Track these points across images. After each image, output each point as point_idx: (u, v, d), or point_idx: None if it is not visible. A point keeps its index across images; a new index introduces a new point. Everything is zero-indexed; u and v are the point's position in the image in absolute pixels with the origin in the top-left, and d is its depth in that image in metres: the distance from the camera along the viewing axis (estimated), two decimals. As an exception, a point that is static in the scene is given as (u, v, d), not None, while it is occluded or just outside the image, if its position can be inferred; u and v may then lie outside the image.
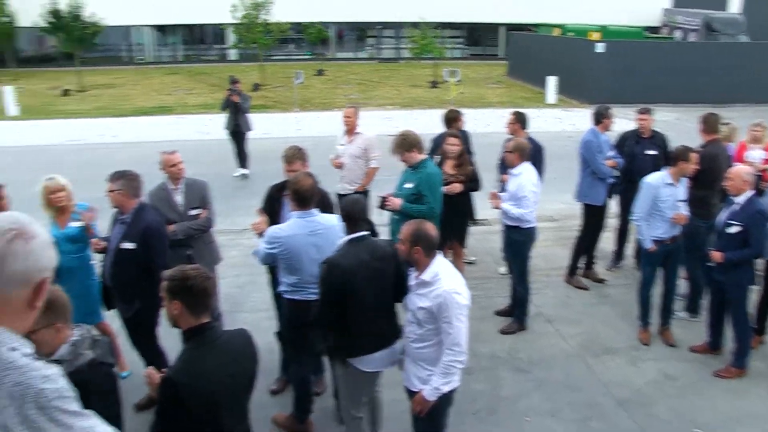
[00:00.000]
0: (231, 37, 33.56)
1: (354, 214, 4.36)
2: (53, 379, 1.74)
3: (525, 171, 6.44)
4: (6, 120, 20.70)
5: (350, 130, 8.07)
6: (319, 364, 5.56)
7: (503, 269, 7.89)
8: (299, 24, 35.20)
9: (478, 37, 41.89)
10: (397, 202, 6.06)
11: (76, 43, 28.09)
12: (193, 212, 5.81)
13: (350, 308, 4.20)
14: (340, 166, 8.00)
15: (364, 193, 7.87)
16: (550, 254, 8.76)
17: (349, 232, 4.35)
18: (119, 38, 38.60)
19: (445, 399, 4.14)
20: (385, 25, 40.23)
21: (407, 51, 34.64)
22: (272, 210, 5.37)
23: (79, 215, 5.48)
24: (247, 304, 7.30)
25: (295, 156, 5.41)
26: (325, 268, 4.20)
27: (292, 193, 4.63)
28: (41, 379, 1.71)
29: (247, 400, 3.29)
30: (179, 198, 5.81)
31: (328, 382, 5.59)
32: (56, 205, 5.47)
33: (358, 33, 41.60)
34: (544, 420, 5.39)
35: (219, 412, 3.03)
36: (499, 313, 7.09)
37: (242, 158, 13.25)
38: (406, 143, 6.11)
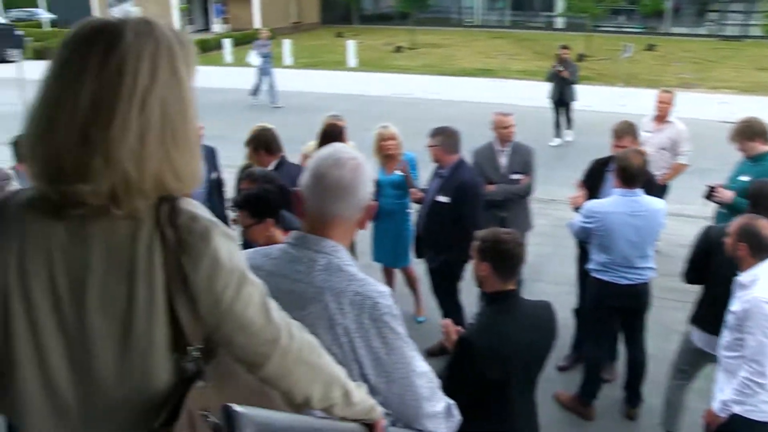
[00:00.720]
0: (560, 5, 32.97)
1: (760, 198, 4.17)
2: (386, 295, 1.90)
3: None
4: (347, 71, 23.04)
5: (661, 118, 7.24)
6: (614, 351, 5.32)
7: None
8: (633, -6, 33.29)
9: None
10: (728, 194, 5.46)
11: (412, 3, 29.86)
12: (515, 176, 5.81)
13: (708, 280, 4.16)
14: None
15: (664, 188, 7.20)
16: None
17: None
18: (451, 1, 40.12)
19: (743, 424, 3.55)
20: (733, -2, 36.22)
21: (758, 28, 30.85)
22: (593, 184, 5.19)
23: (401, 167, 5.81)
24: (547, 274, 7.19)
25: (625, 131, 5.16)
26: (701, 229, 4.31)
27: (620, 169, 4.43)
28: (377, 293, 1.88)
29: (537, 373, 3.24)
30: (503, 160, 5.84)
31: (620, 371, 5.33)
32: (386, 152, 5.83)
33: (699, 6, 37.98)
34: None
35: (509, 380, 3.02)
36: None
37: (565, 126, 13.16)
38: (749, 131, 5.48)
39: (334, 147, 1.98)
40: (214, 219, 1.39)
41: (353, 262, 1.95)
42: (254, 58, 16.76)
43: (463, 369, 2.96)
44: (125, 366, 1.34)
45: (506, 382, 3.02)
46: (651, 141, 7.14)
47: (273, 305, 1.46)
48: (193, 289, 1.33)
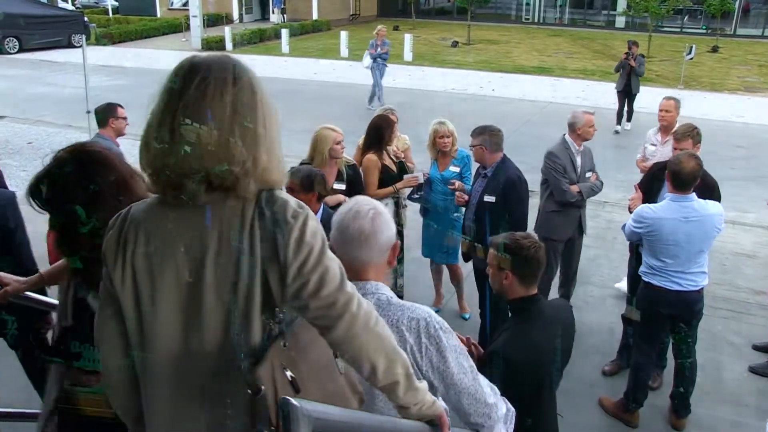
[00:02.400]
0: (621, 3, 32.24)
1: None
2: (433, 314, 2.16)
3: None
4: (401, 64, 22.93)
5: (667, 129, 6.48)
6: (662, 358, 5.22)
7: None
8: (699, -6, 32.22)
9: None
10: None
11: (471, -2, 29.64)
12: (587, 174, 5.77)
13: None
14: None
15: None
16: None
17: None
18: (510, -3, 39.69)
19: None
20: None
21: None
22: (651, 188, 5.08)
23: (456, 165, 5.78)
24: (594, 277, 7.09)
25: (687, 134, 5.05)
26: None
27: (671, 173, 4.34)
28: (426, 313, 2.13)
29: (560, 377, 3.16)
30: (579, 159, 5.74)
31: (665, 379, 5.20)
32: (441, 148, 5.79)
33: (771, 7, 36.26)
34: None
35: (542, 387, 2.97)
36: None
37: (625, 117, 13.92)
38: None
39: (355, 200, 2.21)
40: (303, 204, 1.69)
41: (393, 294, 2.21)
42: (366, 59, 15.52)
43: (497, 380, 2.92)
44: (229, 324, 1.63)
45: (539, 391, 2.98)
46: (658, 153, 6.50)
47: (346, 279, 1.67)
48: (283, 260, 1.61)
